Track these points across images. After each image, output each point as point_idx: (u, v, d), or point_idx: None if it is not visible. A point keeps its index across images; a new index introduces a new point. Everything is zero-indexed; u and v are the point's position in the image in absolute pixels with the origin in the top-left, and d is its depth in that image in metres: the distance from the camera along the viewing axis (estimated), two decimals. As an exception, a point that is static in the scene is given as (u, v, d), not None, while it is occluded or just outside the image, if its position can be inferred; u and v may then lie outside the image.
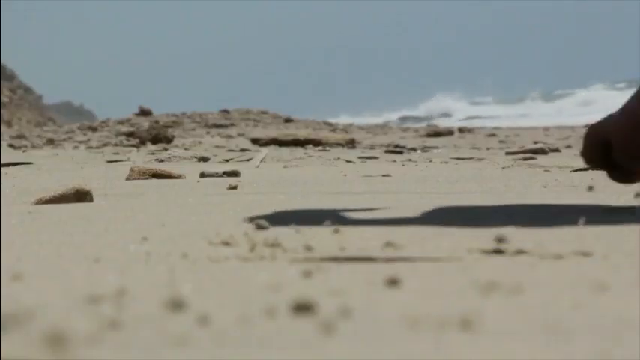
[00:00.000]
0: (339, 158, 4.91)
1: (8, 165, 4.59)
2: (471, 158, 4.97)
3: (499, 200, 2.39)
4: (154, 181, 3.34)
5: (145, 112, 13.38)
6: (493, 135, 9.88)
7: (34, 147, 8.20)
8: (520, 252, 1.48)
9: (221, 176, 3.48)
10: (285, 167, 4.29)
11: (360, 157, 4.76)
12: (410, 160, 4.91)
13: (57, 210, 2.21)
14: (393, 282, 1.19)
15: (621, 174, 2.28)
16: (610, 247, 1.53)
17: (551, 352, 0.86)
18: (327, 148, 6.69)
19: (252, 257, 1.46)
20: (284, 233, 1.71)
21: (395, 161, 4.77)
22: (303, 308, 1.02)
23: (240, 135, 10.47)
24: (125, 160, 5.22)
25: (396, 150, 6.13)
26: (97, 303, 1.08)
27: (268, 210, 2.14)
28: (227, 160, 5.02)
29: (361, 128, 13.17)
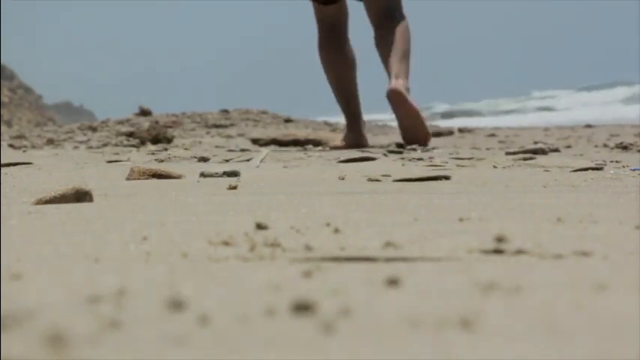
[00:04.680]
0: (339, 157, 4.91)
1: (8, 165, 4.59)
2: (471, 158, 4.97)
3: (499, 200, 2.39)
4: (154, 181, 3.34)
5: (145, 112, 13.37)
6: (493, 135, 9.88)
7: (34, 147, 8.20)
8: (520, 252, 1.48)
9: (221, 176, 3.48)
10: (285, 167, 4.29)
11: (359, 157, 4.76)
12: (410, 160, 4.91)
13: (57, 210, 2.21)
14: (393, 282, 1.19)
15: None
16: (610, 247, 1.53)
17: (551, 352, 0.86)
18: (328, 148, 6.69)
19: (252, 257, 1.46)
20: (284, 233, 1.71)
21: (395, 161, 4.76)
22: (303, 308, 1.02)
23: (240, 135, 10.46)
24: (125, 160, 5.22)
25: (397, 150, 6.13)
26: (97, 303, 1.08)
27: (268, 210, 2.14)
28: (227, 160, 5.02)
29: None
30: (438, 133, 10.05)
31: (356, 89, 6.67)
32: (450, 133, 10.24)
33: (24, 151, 7.05)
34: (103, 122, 12.92)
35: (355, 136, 6.65)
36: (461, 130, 10.98)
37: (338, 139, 7.05)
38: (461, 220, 1.91)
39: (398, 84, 6.02)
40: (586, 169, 3.76)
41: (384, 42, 6.20)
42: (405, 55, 6.15)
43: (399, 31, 6.19)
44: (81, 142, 9.01)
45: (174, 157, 5.54)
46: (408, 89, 6.14)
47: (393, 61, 6.10)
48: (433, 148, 6.60)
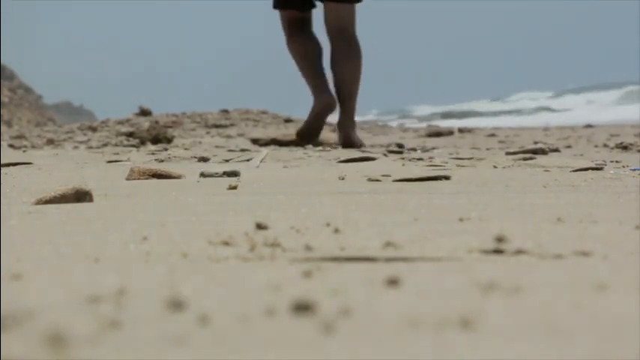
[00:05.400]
0: (339, 157, 4.91)
1: (8, 165, 4.59)
2: (471, 158, 4.97)
3: (499, 200, 2.39)
4: (154, 181, 3.34)
5: (145, 112, 13.38)
6: (493, 135, 9.88)
7: (34, 147, 8.20)
8: (520, 252, 1.48)
9: (221, 176, 3.48)
10: (285, 167, 4.29)
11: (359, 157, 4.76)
12: (410, 160, 4.91)
13: (57, 210, 2.21)
14: (393, 282, 1.19)
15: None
16: (610, 247, 1.53)
17: (551, 352, 0.86)
18: (327, 149, 6.70)
19: (252, 257, 1.46)
20: (284, 233, 1.71)
21: (395, 161, 4.77)
22: (303, 308, 1.02)
23: (240, 135, 10.47)
24: (125, 160, 5.22)
25: (397, 150, 6.14)
26: (97, 303, 1.08)
27: (268, 210, 2.14)
28: (227, 160, 5.02)
29: (361, 128, 13.18)
30: (438, 133, 10.05)
31: (322, 66, 7.10)
32: (450, 133, 10.24)
33: (24, 151, 7.05)
34: (103, 122, 12.93)
35: (325, 97, 6.95)
36: (461, 130, 10.98)
37: (333, 138, 7.19)
38: (461, 220, 1.91)
39: (352, 135, 6.83)
40: (586, 169, 3.76)
41: (340, 74, 6.94)
42: (356, 92, 7.00)
43: (354, 64, 6.98)
44: (81, 142, 9.01)
45: (174, 157, 5.54)
46: (354, 124, 7.01)
47: (346, 99, 6.94)
48: (433, 148, 6.60)
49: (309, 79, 7.07)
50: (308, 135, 6.99)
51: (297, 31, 7.13)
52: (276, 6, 7.19)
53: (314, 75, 7.01)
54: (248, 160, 4.87)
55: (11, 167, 4.52)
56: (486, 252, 1.49)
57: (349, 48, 7.01)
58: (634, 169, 3.82)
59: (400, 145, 6.89)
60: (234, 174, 3.49)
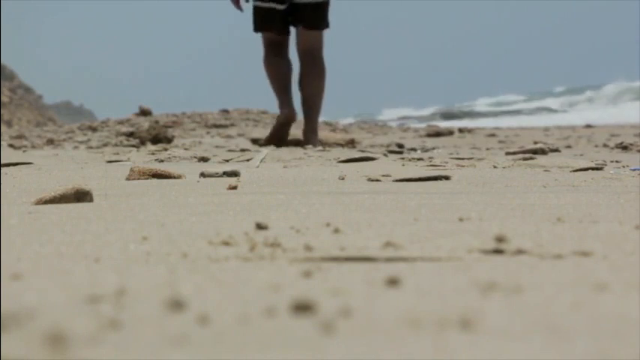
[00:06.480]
0: (339, 157, 4.91)
1: (8, 165, 4.59)
2: (471, 158, 4.97)
3: (499, 200, 2.39)
4: (154, 181, 3.34)
5: (145, 112, 13.37)
6: (493, 135, 9.88)
7: (34, 147, 8.19)
8: (520, 252, 1.48)
9: (221, 176, 3.48)
10: (285, 167, 4.28)
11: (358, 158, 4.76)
12: (410, 160, 4.91)
13: (57, 210, 2.21)
14: (393, 282, 1.19)
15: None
16: (610, 247, 1.53)
17: (551, 352, 0.86)
18: (327, 148, 6.70)
19: (252, 257, 1.46)
20: (284, 233, 1.71)
21: (395, 161, 4.77)
22: (303, 308, 1.02)
23: (240, 135, 10.47)
24: (125, 160, 5.22)
25: (397, 150, 6.14)
26: (97, 303, 1.08)
27: (268, 210, 2.14)
28: (227, 160, 5.02)
29: (361, 128, 13.17)
30: (438, 133, 10.05)
31: (290, 85, 7.75)
32: (450, 133, 10.23)
33: (24, 151, 7.05)
34: (103, 122, 12.92)
35: (289, 111, 7.51)
36: (461, 130, 10.98)
37: (332, 138, 7.42)
38: (461, 220, 1.91)
39: (312, 139, 7.44)
40: (586, 169, 3.76)
41: (307, 90, 7.64)
42: (319, 106, 7.77)
43: (319, 82, 7.72)
44: (81, 142, 9.01)
45: (174, 157, 5.54)
46: (316, 131, 7.69)
47: (311, 112, 7.63)
48: (433, 148, 6.60)
49: (277, 95, 7.77)
50: (274, 141, 7.49)
51: (274, 54, 7.79)
52: (256, 29, 7.72)
53: (281, 92, 7.71)
54: (248, 160, 4.87)
55: (11, 167, 4.51)
56: (486, 252, 1.49)
57: (316, 69, 7.73)
58: (634, 169, 3.83)
59: (400, 145, 6.90)
60: (234, 174, 3.49)
